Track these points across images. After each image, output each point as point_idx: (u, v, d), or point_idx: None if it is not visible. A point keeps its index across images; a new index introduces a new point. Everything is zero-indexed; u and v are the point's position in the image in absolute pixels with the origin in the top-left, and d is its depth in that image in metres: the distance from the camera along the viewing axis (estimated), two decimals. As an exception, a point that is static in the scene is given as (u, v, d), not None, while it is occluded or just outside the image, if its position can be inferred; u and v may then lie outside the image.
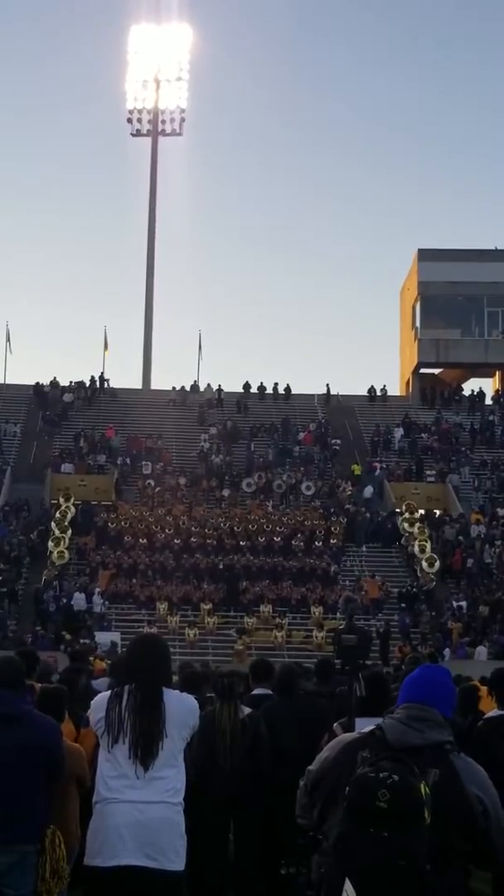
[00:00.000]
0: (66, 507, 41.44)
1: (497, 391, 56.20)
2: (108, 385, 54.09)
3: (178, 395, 53.22)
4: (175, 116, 60.97)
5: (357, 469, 46.62)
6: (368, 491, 45.51)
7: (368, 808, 3.33)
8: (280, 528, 40.71)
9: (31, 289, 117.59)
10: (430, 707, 3.79)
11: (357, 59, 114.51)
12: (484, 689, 8.76)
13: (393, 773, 3.38)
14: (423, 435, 49.91)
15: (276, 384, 54.14)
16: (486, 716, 7.15)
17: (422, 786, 3.38)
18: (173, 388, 54.15)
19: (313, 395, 54.17)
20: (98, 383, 53.79)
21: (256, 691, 9.06)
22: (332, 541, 40.58)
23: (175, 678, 7.68)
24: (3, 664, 5.89)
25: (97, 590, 36.64)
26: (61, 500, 42.06)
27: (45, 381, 52.96)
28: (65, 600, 35.96)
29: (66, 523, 40.40)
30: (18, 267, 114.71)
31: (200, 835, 6.98)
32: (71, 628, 33.58)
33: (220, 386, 53.40)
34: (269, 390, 54.14)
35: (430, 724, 3.73)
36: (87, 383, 53.49)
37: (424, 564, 39.10)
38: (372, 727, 3.83)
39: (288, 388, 53.95)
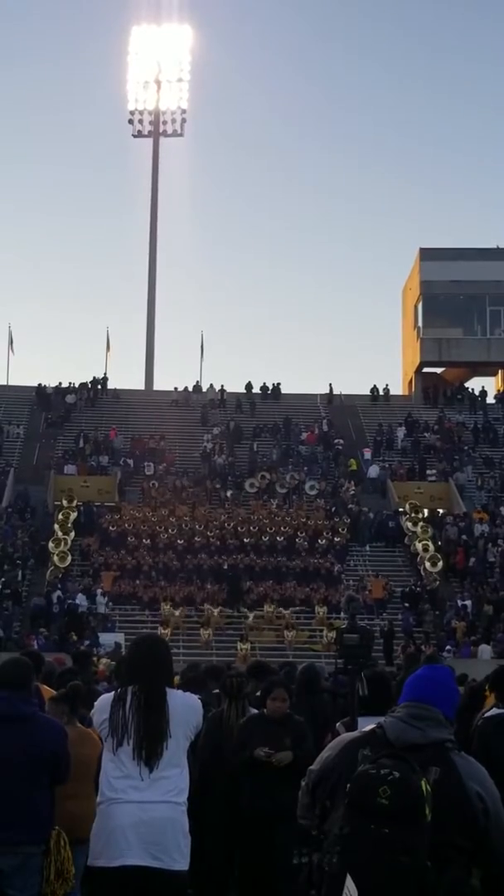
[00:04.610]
0: (69, 508, 41.47)
1: (500, 390, 56.22)
2: (107, 386, 54.14)
3: (181, 396, 53.26)
4: (176, 117, 61.08)
5: (354, 464, 46.80)
6: (374, 470, 45.96)
7: (369, 805, 3.33)
8: (283, 527, 40.66)
9: (33, 290, 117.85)
10: (432, 706, 3.79)
11: (358, 59, 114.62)
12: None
13: (394, 770, 3.37)
14: (425, 434, 49.91)
15: (278, 384, 54.25)
16: (484, 714, 7.15)
17: (423, 783, 3.38)
18: (175, 388, 54.21)
19: (316, 395, 54.20)
20: (100, 384, 53.87)
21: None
22: (335, 539, 40.56)
23: (177, 679, 7.71)
24: (8, 665, 5.91)
25: (100, 591, 36.66)
26: (64, 501, 42.07)
27: (48, 382, 53.15)
28: (70, 601, 35.96)
29: (69, 525, 40.41)
30: (20, 268, 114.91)
31: (205, 835, 7.02)
32: (76, 630, 33.60)
33: (222, 386, 53.49)
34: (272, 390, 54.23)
35: (431, 723, 3.73)
36: (90, 384, 53.57)
37: (427, 564, 39.10)
38: (372, 726, 3.85)
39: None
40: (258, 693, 8.95)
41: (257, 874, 7.51)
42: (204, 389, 54.25)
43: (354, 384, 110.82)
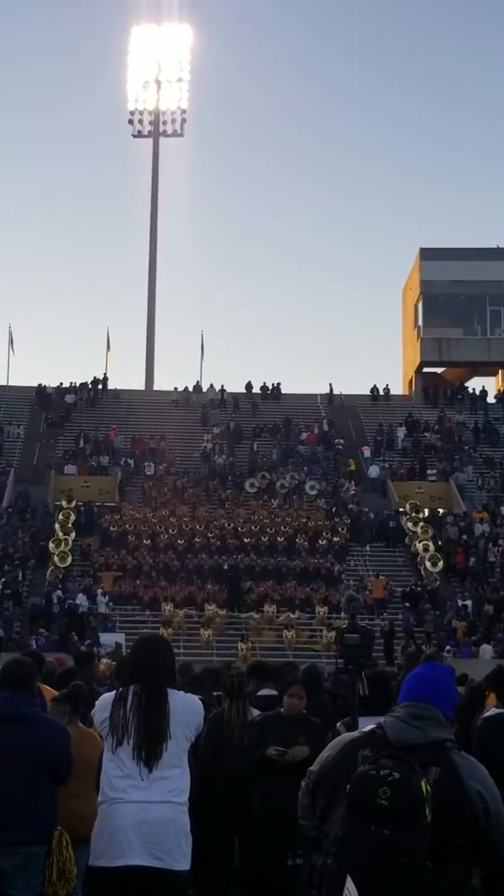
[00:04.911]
0: (70, 508, 41.47)
1: (500, 390, 56.23)
2: (107, 386, 54.15)
3: (181, 396, 53.26)
4: (176, 117, 61.09)
5: (353, 464, 46.83)
6: (374, 470, 46.06)
7: (369, 806, 3.33)
8: (284, 528, 40.66)
9: (34, 290, 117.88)
10: (431, 705, 3.79)
11: (358, 59, 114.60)
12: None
13: (394, 771, 3.37)
14: (425, 434, 49.92)
15: (278, 384, 54.27)
16: (484, 714, 7.16)
17: (423, 783, 3.37)
18: (175, 388, 54.22)
19: (316, 395, 54.20)
20: (100, 384, 53.87)
21: (262, 692, 9.11)
22: (336, 539, 40.54)
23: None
24: (10, 665, 5.91)
25: (101, 591, 36.65)
26: (64, 501, 42.07)
27: (48, 382, 53.19)
28: (70, 601, 35.96)
29: (69, 525, 40.42)
30: (20, 268, 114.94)
31: (206, 835, 7.03)
32: (77, 630, 33.60)
33: (222, 386, 53.50)
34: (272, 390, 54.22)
35: (431, 723, 3.73)
36: (90, 384, 53.57)
37: (428, 564, 39.10)
38: (372, 726, 3.85)
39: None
40: (259, 692, 8.98)
41: (262, 874, 7.50)
42: (204, 389, 54.24)
43: (354, 384, 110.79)
